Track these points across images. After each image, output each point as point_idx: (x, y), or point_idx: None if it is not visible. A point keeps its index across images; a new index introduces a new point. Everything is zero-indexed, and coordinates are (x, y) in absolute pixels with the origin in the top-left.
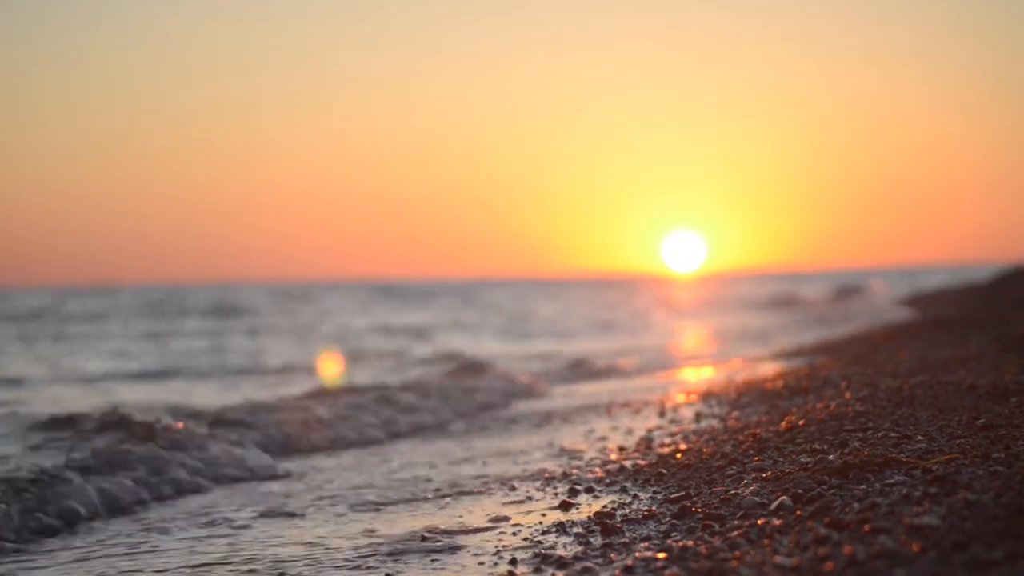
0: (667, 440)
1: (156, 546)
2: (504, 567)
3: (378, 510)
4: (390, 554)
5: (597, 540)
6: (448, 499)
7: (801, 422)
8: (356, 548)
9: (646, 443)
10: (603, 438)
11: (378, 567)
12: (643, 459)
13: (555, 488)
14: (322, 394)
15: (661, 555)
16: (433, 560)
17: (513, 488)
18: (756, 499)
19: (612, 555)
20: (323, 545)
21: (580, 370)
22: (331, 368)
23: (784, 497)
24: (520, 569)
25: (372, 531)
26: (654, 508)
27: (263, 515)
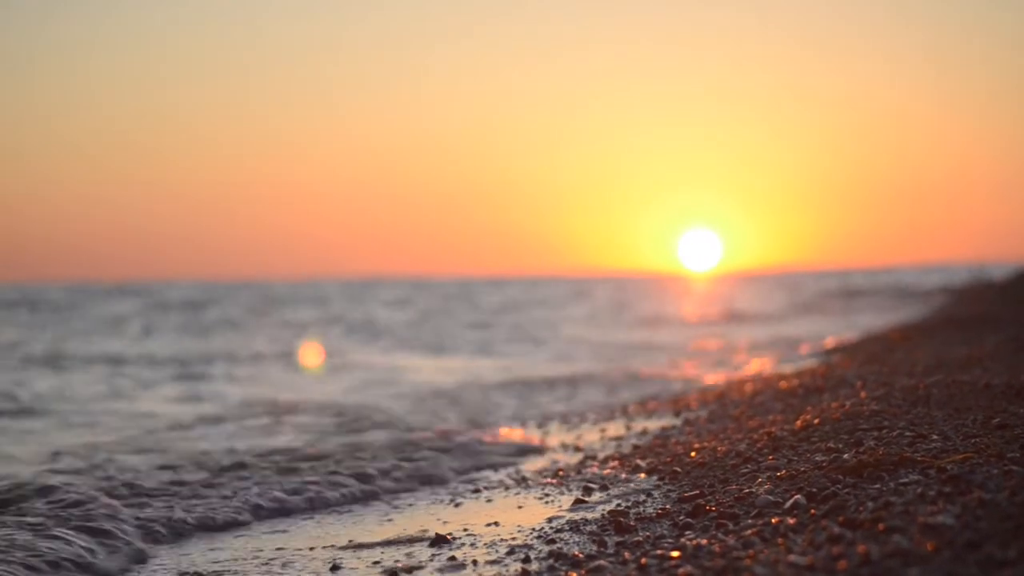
0: (681, 438)
1: None
2: (517, 565)
3: (393, 505)
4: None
5: (611, 539)
6: (461, 496)
7: (816, 421)
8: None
9: (661, 441)
10: (618, 436)
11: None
12: (657, 457)
13: (569, 486)
14: None
15: (675, 554)
16: (447, 558)
17: (527, 486)
18: (770, 498)
19: (626, 554)
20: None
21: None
22: None
23: (798, 496)
24: (533, 567)
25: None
26: (668, 507)
27: None
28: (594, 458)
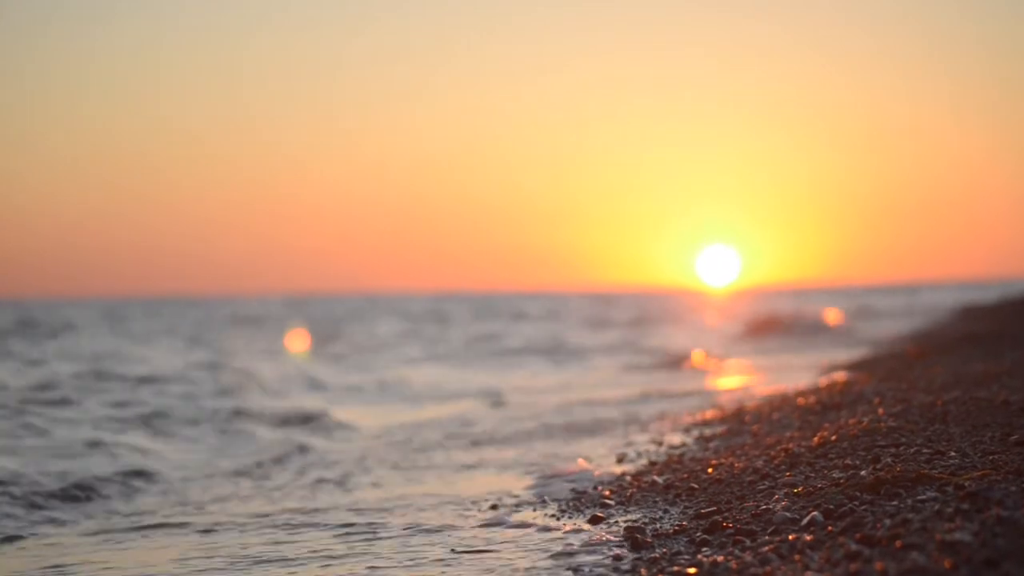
0: (699, 455)
1: None
2: None
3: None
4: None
5: (627, 555)
6: (477, 511)
7: (833, 437)
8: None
9: (678, 457)
10: (636, 452)
11: None
12: (674, 473)
13: (586, 502)
14: None
15: (692, 570)
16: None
17: (543, 501)
18: (787, 514)
19: (642, 570)
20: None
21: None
22: None
23: (815, 512)
24: None
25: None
26: (685, 523)
27: None
28: (611, 473)
